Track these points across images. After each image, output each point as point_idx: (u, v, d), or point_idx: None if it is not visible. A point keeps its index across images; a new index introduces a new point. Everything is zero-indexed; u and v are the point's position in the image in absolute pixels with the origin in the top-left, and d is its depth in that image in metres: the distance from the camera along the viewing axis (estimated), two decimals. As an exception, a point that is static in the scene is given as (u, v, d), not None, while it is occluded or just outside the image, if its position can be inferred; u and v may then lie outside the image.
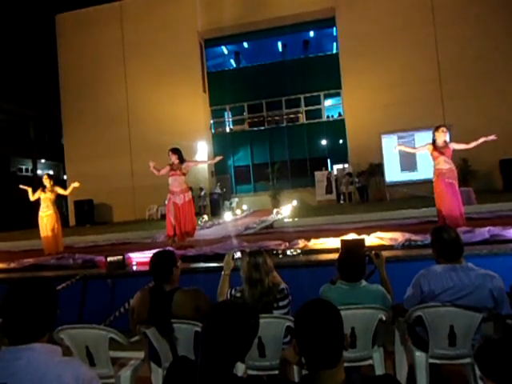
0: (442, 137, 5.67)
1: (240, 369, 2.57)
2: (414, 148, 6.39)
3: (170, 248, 5.02)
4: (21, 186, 7.80)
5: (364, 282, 2.65)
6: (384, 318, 2.54)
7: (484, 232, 4.59)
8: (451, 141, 5.99)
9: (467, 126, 15.45)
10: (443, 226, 2.62)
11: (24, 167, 29.25)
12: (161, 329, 2.46)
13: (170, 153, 6.67)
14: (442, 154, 5.64)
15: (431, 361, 2.55)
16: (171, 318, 2.46)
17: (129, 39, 19.77)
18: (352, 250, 2.70)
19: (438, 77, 17.04)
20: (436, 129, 5.78)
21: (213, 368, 1.36)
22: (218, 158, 7.63)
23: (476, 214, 7.53)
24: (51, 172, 27.72)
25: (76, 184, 7.55)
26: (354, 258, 2.65)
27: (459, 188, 5.77)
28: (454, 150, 5.80)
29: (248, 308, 1.54)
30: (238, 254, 3.00)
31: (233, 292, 2.76)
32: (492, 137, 5.65)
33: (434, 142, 5.76)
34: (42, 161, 30.17)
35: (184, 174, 6.67)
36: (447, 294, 2.47)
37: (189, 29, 19.25)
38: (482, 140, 5.70)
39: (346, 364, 1.49)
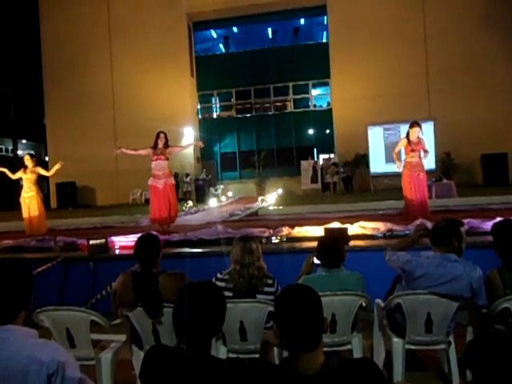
0: (416, 134, 5.96)
1: (222, 352, 2.61)
2: (398, 155, 6.34)
3: (154, 232, 4.99)
4: None
5: (344, 269, 2.70)
6: (364, 305, 2.60)
7: (463, 224, 4.69)
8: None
9: (452, 119, 15.69)
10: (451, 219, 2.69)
11: (4, 147, 28.48)
12: (149, 310, 2.47)
13: (162, 135, 6.58)
14: (413, 150, 6.01)
15: (408, 346, 2.63)
16: (160, 298, 2.48)
17: (115, 18, 19.22)
18: (332, 238, 2.74)
19: (425, 70, 17.17)
20: (411, 126, 6.02)
21: (192, 342, 1.46)
22: (200, 144, 8.02)
23: (456, 207, 7.73)
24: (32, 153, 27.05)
25: (59, 165, 7.38)
26: (334, 245, 2.70)
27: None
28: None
29: (215, 286, 1.75)
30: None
31: (218, 275, 2.78)
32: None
33: (407, 137, 6.04)
34: (23, 141, 29.41)
35: (167, 159, 6.64)
36: (425, 279, 2.54)
37: (177, 10, 18.80)
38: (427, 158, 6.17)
39: (325, 349, 1.52)
